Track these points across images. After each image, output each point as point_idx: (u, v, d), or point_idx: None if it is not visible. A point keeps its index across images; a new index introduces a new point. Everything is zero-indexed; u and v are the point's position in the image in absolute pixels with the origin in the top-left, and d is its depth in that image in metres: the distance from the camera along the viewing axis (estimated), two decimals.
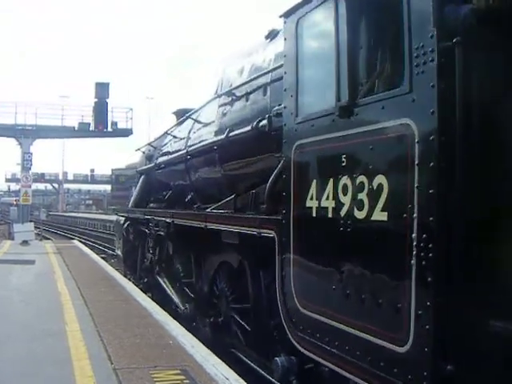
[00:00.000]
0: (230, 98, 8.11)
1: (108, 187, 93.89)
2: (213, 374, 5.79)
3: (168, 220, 9.87)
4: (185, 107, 12.32)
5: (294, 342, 5.34)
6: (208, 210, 8.62)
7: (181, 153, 10.47)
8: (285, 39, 5.60)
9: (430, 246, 3.69)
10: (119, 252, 15.50)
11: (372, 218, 4.22)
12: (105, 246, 31.23)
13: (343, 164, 4.59)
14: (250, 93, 7.45)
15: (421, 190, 3.77)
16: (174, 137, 11.69)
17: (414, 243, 3.80)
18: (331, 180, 4.75)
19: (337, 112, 4.64)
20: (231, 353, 7.51)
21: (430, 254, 3.69)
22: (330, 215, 4.77)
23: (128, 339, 7.12)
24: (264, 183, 6.86)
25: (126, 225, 14.26)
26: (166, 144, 12.50)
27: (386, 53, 4.36)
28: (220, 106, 8.55)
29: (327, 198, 4.81)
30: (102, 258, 20.34)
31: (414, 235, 3.81)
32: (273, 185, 6.27)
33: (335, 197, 4.69)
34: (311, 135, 5.08)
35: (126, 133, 38.77)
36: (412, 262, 3.81)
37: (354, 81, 4.52)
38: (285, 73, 5.60)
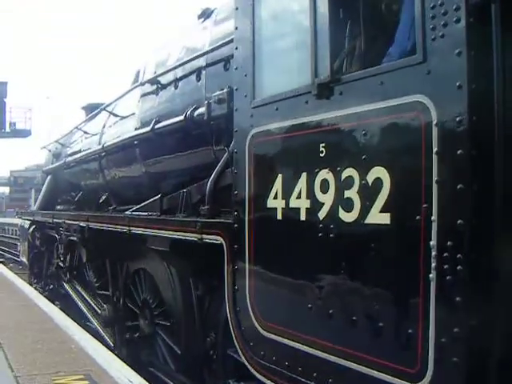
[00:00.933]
0: (155, 87, 6.84)
1: (6, 189, 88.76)
2: (116, 377, 5.37)
3: (82, 224, 8.42)
4: (96, 102, 10.86)
5: (252, 371, 4.23)
6: (128, 212, 7.36)
7: (93, 149, 9.03)
8: (236, 9, 4.44)
9: (459, 256, 2.73)
10: (24, 259, 13.68)
11: (367, 221, 3.21)
12: (3, 250, 28.91)
13: (322, 155, 3.56)
14: (181, 79, 6.26)
15: (443, 186, 2.80)
16: (86, 132, 10.20)
17: (434, 253, 2.83)
18: (304, 175, 3.69)
19: (314, 91, 3.56)
20: (152, 372, 6.45)
21: (459, 267, 2.73)
22: (302, 217, 3.71)
23: (29, 345, 6.49)
24: (198, 181, 5.77)
25: (31, 229, 12.50)
26: (75, 141, 10.95)
27: (384, 12, 3.35)
28: (142, 95, 7.27)
29: (298, 197, 3.75)
30: (1, 262, 18.50)
31: (432, 242, 2.84)
32: (215, 182, 5.17)
33: (310, 195, 3.65)
34: (274, 121, 3.99)
35: (25, 134, 36.80)
36: (430, 276, 2.84)
37: (339, 50, 3.48)
38: (236, 48, 4.46)
